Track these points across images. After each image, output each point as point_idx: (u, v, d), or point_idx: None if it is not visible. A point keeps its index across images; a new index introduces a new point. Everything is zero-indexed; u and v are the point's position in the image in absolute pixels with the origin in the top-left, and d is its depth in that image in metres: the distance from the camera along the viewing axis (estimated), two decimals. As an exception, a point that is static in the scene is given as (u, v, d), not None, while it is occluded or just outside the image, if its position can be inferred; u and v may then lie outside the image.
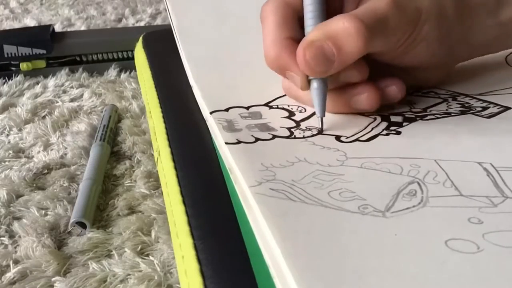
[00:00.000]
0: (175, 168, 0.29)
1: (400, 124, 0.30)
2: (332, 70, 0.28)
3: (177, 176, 0.28)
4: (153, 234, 0.32)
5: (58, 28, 0.78)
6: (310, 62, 0.28)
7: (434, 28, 0.29)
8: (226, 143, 0.28)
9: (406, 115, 0.31)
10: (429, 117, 0.30)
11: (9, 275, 0.30)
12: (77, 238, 0.32)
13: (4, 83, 0.57)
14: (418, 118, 0.30)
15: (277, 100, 0.33)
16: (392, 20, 0.28)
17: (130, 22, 0.81)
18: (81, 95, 0.54)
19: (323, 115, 0.29)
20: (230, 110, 0.31)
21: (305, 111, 0.32)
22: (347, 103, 0.30)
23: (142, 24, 0.80)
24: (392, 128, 0.29)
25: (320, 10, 0.29)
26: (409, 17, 0.28)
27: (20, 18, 0.86)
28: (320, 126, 0.29)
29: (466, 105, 0.32)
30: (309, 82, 0.29)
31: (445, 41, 0.30)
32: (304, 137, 0.29)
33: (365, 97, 0.30)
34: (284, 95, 0.33)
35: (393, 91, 0.30)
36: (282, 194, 0.23)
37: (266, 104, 0.32)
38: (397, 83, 0.30)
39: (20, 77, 0.57)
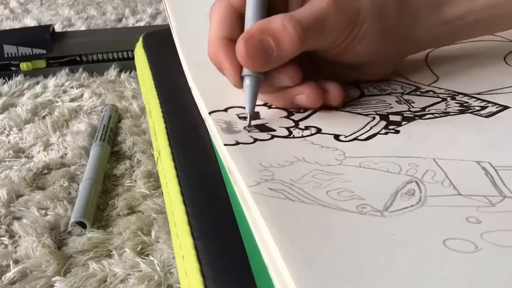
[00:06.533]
0: (175, 168, 0.29)
1: (398, 123, 0.30)
2: (270, 65, 0.29)
3: (177, 176, 0.28)
4: (153, 234, 0.32)
5: (58, 28, 0.78)
6: (250, 54, 0.28)
7: (374, 26, 0.31)
8: (225, 145, 0.28)
9: (405, 114, 0.31)
10: (427, 116, 0.30)
11: (9, 275, 0.30)
12: (77, 238, 0.32)
13: (4, 83, 0.57)
14: (416, 117, 0.30)
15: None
16: (331, 20, 0.29)
17: (130, 22, 0.81)
18: (81, 95, 0.54)
19: (251, 112, 0.30)
20: (228, 110, 0.31)
21: (304, 110, 0.32)
22: (291, 100, 0.31)
23: (142, 24, 0.80)
24: (390, 127, 0.29)
25: (260, 10, 0.30)
26: (348, 17, 0.30)
27: (20, 18, 0.86)
28: (248, 123, 0.30)
29: (465, 104, 0.32)
30: (242, 80, 0.30)
31: (387, 38, 0.32)
32: (302, 137, 0.29)
33: (305, 97, 0.30)
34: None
35: (331, 97, 0.31)
36: (281, 194, 0.23)
37: (265, 104, 0.32)
38: (335, 88, 0.31)
39: (20, 77, 0.57)
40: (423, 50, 0.37)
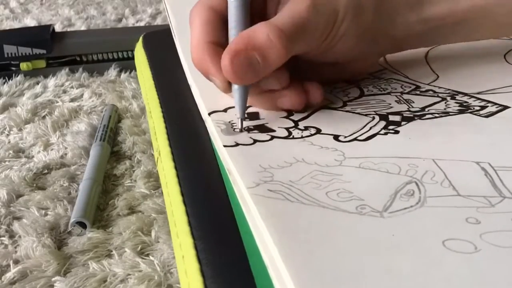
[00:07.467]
0: (175, 168, 0.29)
1: (398, 124, 0.30)
2: (257, 78, 0.29)
3: (177, 176, 0.28)
4: (153, 234, 0.32)
5: (58, 28, 0.78)
6: (238, 71, 0.28)
7: (352, 25, 0.31)
8: (225, 146, 0.28)
9: (404, 115, 0.31)
10: (427, 116, 0.30)
11: (9, 275, 0.30)
12: (77, 238, 0.32)
13: (4, 83, 0.57)
14: (416, 117, 0.30)
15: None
16: (311, 23, 0.29)
17: (130, 22, 0.81)
18: (81, 95, 0.54)
19: (243, 116, 0.30)
20: (228, 111, 0.31)
21: (303, 110, 0.32)
22: (273, 103, 0.31)
23: (142, 24, 0.80)
24: (390, 127, 0.29)
25: (243, 17, 0.30)
26: (326, 19, 0.30)
27: (20, 18, 0.86)
28: (240, 127, 0.30)
29: (465, 104, 0.32)
30: (230, 84, 0.30)
31: (365, 36, 0.32)
32: (302, 137, 0.29)
33: (288, 100, 0.31)
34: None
35: (311, 97, 0.32)
36: (280, 195, 0.23)
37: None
38: (315, 89, 0.32)
39: (20, 77, 0.57)
40: (402, 50, 0.36)
